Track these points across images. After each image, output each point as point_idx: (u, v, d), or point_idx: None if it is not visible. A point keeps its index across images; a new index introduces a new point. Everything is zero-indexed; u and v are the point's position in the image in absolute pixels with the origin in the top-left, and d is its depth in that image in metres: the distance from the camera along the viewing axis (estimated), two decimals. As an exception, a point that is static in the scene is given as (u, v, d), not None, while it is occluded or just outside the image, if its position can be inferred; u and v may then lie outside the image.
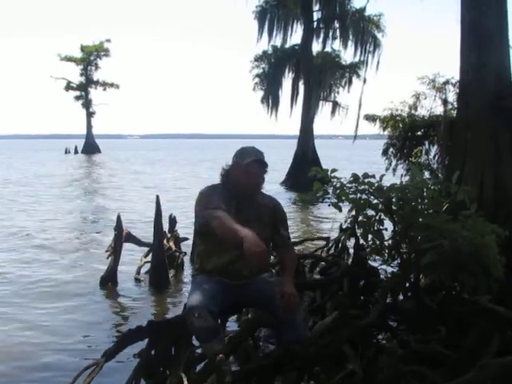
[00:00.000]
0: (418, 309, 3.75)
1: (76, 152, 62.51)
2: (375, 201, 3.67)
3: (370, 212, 3.74)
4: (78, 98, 62.32)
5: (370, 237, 3.78)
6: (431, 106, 10.74)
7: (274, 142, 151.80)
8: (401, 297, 4.30)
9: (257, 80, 26.70)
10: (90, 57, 60.73)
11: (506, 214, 5.18)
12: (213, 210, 3.39)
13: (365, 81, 25.31)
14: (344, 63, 26.15)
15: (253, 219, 3.54)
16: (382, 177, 3.68)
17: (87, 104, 62.29)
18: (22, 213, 13.94)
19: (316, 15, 24.72)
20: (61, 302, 6.25)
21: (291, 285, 3.46)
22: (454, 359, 3.33)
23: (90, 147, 62.85)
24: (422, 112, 10.88)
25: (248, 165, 3.54)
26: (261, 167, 3.60)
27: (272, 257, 5.87)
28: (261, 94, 26.86)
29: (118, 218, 7.08)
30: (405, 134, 10.77)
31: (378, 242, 3.79)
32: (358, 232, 3.89)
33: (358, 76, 25.88)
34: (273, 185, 20.55)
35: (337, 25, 24.84)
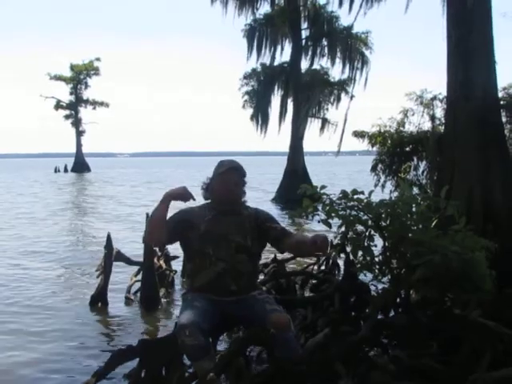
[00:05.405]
0: (410, 324, 3.75)
1: (66, 171, 62.34)
2: (365, 217, 3.68)
3: (360, 228, 3.75)
4: (67, 116, 62.41)
5: (360, 253, 3.79)
6: (419, 122, 10.84)
7: (264, 159, 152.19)
8: (392, 312, 4.30)
9: (246, 97, 26.78)
10: (79, 76, 60.90)
11: (495, 227, 5.21)
12: None
13: (352, 97, 25.49)
14: (332, 80, 26.30)
15: (233, 229, 3.63)
16: (370, 193, 3.70)
17: (77, 123, 62.35)
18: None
19: (304, 33, 25.02)
20: (50, 322, 6.18)
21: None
22: (446, 374, 3.33)
23: (80, 166, 62.72)
24: (411, 128, 10.98)
25: (222, 173, 3.68)
26: (235, 173, 3.70)
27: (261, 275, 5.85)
28: (250, 111, 26.92)
29: (108, 236, 7.04)
30: (393, 150, 10.83)
31: (368, 258, 3.80)
32: (348, 248, 3.89)
33: (347, 93, 26.02)
34: (263, 202, 20.55)
35: (325, 42, 25.09)
